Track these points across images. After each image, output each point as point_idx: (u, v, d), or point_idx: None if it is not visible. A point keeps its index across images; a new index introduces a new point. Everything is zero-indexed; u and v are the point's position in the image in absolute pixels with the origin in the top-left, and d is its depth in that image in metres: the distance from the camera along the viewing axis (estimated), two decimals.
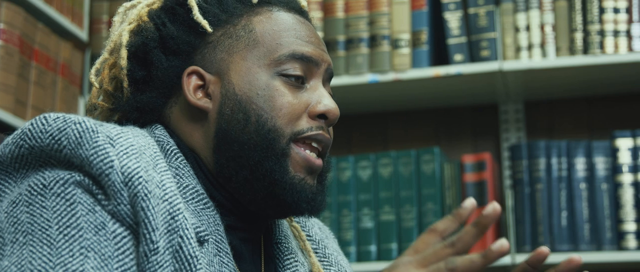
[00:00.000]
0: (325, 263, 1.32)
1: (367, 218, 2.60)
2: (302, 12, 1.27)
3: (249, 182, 1.17)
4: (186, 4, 1.23)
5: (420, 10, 2.64)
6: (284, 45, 1.21)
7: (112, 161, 1.04)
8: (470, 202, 1.38)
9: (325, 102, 1.21)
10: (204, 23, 1.21)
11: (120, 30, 1.26)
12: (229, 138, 1.18)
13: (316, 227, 1.39)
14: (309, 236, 1.34)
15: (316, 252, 1.33)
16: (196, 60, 1.22)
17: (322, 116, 1.21)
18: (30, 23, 2.45)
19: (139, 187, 1.04)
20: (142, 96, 1.23)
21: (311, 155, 1.19)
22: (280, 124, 1.17)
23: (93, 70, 1.27)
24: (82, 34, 2.76)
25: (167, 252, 1.04)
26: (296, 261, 1.26)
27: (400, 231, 2.58)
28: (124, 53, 1.23)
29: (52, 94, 2.56)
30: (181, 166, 1.16)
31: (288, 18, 1.24)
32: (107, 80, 1.26)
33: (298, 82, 1.21)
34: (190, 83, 1.21)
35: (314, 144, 1.20)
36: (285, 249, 1.26)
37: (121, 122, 1.24)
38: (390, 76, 2.62)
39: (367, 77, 2.61)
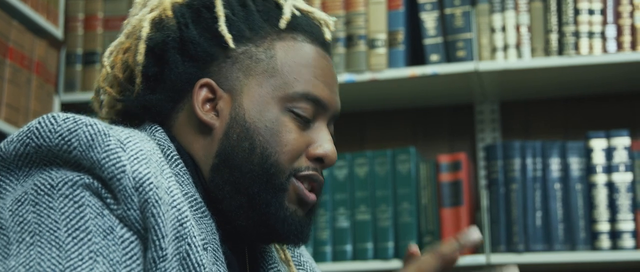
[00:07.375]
0: (301, 271, 1.33)
1: (343, 218, 2.61)
2: (324, 45, 1.26)
3: (243, 208, 1.17)
4: (213, 10, 1.20)
5: (397, 11, 2.64)
6: (301, 82, 1.20)
7: (124, 165, 1.02)
8: (477, 235, 1.14)
9: (325, 146, 1.21)
10: (228, 37, 1.19)
11: (141, 16, 1.23)
12: (231, 163, 1.17)
13: None
14: None
15: (292, 259, 1.34)
16: (212, 71, 1.20)
17: (319, 159, 1.21)
18: (4, 20, 2.44)
19: (150, 193, 1.03)
20: (152, 97, 1.20)
21: (306, 190, 1.20)
22: (283, 159, 1.17)
23: (107, 52, 1.24)
24: (57, 32, 2.74)
25: (174, 259, 1.04)
26: (278, 270, 1.26)
27: (376, 231, 2.58)
28: (142, 48, 1.20)
29: (27, 93, 2.54)
30: (181, 173, 1.15)
31: (310, 52, 1.23)
32: (118, 65, 1.23)
33: (304, 121, 1.20)
34: (201, 94, 1.19)
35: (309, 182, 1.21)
36: (269, 258, 1.27)
37: (124, 113, 1.23)
38: (366, 76, 2.62)
39: (344, 77, 2.61)
